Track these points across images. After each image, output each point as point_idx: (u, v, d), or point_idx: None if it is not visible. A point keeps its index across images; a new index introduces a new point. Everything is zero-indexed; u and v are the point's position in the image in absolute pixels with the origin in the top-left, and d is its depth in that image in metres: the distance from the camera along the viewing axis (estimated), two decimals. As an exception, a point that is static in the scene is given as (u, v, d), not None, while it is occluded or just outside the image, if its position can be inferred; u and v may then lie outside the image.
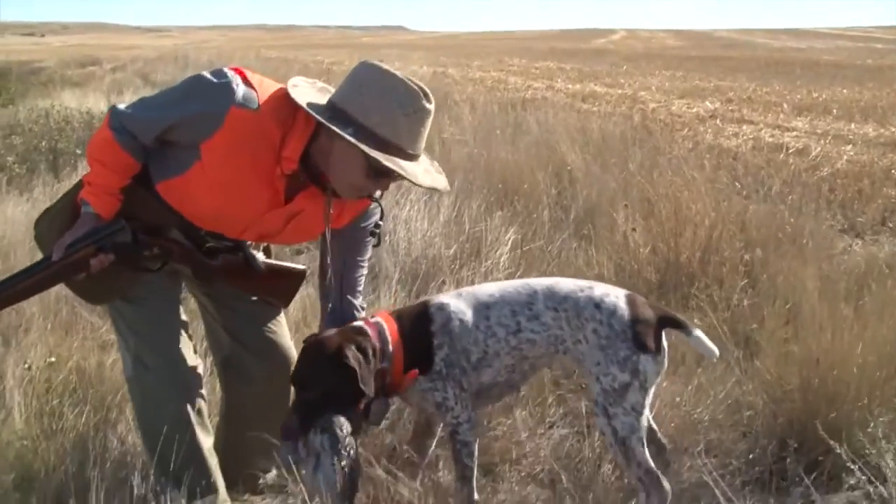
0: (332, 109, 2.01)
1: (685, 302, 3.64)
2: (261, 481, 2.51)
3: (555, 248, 4.26)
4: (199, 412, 2.31)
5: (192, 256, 2.24)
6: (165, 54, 30.47)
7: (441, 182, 2.16)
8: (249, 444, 2.32)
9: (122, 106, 2.14)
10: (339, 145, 2.03)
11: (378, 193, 2.24)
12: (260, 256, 2.35)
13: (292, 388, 2.29)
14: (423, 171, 2.09)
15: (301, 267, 2.48)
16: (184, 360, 2.30)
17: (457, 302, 2.29)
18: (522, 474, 2.57)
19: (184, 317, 2.39)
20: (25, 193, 5.72)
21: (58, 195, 2.50)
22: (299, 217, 2.20)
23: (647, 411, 2.24)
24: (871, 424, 2.42)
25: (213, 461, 2.34)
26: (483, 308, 2.27)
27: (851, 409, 2.51)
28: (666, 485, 2.19)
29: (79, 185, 2.19)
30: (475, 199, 4.84)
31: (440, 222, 4.46)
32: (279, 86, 2.11)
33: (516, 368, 2.32)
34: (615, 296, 2.26)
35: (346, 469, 2.08)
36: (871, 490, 2.25)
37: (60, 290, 3.92)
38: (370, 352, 2.17)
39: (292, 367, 2.39)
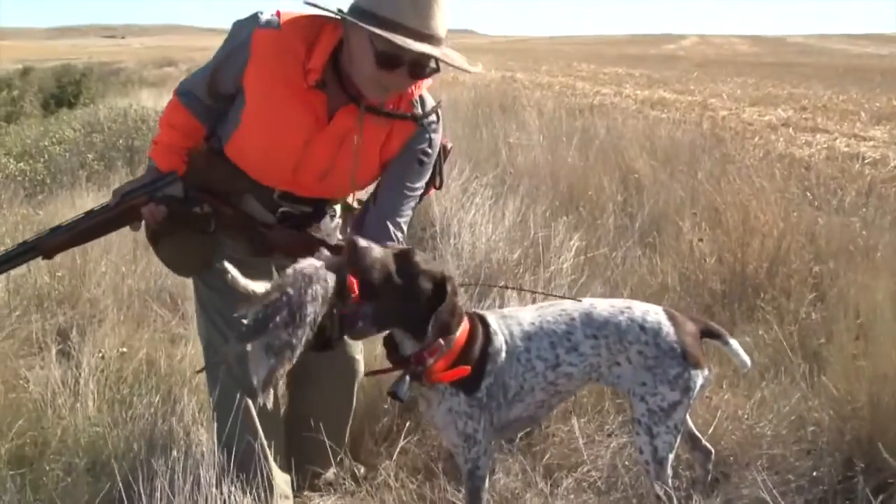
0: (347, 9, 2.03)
1: (750, 313, 3.57)
2: (319, 480, 2.57)
3: (619, 255, 4.21)
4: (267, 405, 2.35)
5: (249, 225, 2.24)
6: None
7: (458, 60, 2.07)
8: (309, 442, 2.37)
9: None
10: (352, 40, 2.04)
11: (412, 91, 2.15)
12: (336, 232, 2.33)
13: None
14: (442, 53, 2.03)
15: None
16: None
17: (504, 328, 2.15)
18: (580, 481, 2.55)
19: None
20: (103, 189, 5.95)
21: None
22: (347, 144, 2.16)
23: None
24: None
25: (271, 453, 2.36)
26: (525, 338, 2.14)
27: (923, 429, 2.43)
28: None
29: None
30: (540, 204, 4.83)
31: (505, 227, 4.46)
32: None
33: (545, 403, 2.21)
34: (655, 313, 2.20)
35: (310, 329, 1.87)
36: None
37: (133, 283, 4.09)
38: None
39: (355, 370, 2.46)
